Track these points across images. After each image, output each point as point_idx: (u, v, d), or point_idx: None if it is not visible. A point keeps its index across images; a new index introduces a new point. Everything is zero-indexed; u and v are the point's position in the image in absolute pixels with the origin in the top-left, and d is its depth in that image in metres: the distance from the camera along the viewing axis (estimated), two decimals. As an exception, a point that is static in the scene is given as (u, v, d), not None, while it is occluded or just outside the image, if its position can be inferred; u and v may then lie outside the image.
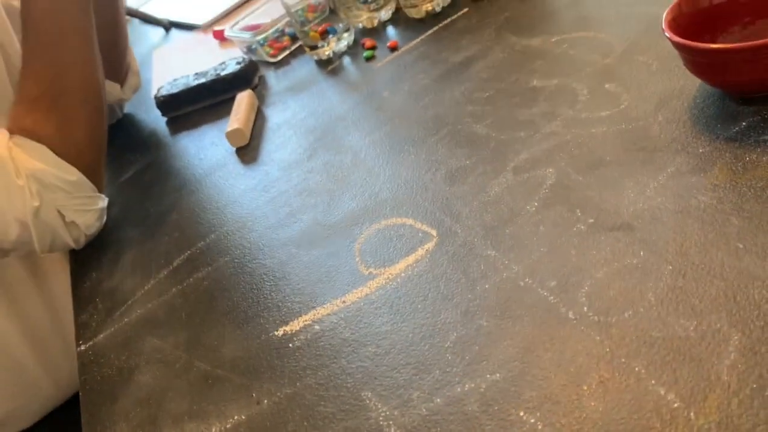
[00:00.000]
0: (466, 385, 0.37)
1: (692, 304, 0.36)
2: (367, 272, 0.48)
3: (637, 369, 0.34)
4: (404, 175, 0.56)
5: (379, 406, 0.38)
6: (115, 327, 0.56)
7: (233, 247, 0.58)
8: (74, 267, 0.67)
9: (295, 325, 0.47)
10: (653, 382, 0.33)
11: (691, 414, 0.31)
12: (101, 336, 0.55)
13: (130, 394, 0.48)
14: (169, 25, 1.28)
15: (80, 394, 0.51)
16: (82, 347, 0.55)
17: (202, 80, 0.85)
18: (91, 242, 0.68)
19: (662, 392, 0.32)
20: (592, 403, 0.33)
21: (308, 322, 0.46)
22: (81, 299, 0.62)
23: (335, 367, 0.42)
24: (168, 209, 0.68)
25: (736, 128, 0.45)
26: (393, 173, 0.57)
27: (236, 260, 0.56)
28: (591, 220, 0.43)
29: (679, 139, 0.46)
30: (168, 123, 0.88)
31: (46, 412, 0.76)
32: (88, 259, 0.67)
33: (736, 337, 0.33)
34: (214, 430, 0.42)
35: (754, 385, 0.31)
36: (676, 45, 0.46)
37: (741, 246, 0.37)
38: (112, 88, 0.86)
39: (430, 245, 0.48)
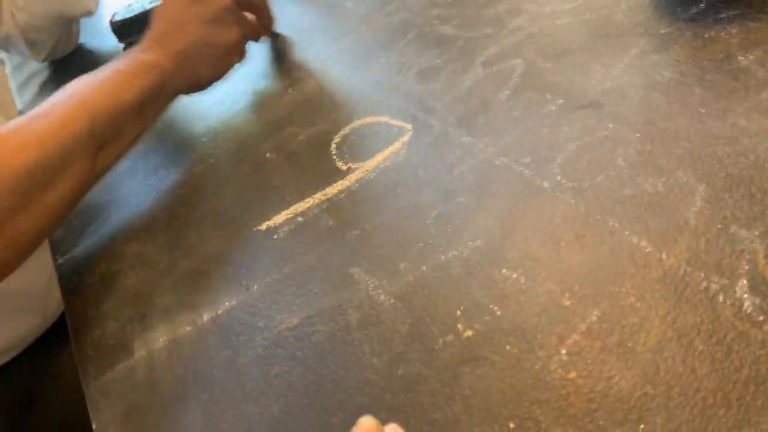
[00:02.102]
0: (450, 253, 0.39)
1: (660, 165, 0.38)
2: (346, 168, 0.49)
3: (611, 224, 0.36)
4: (374, 78, 0.57)
5: (368, 279, 0.40)
6: (93, 238, 0.56)
7: (207, 156, 0.58)
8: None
9: (278, 219, 0.48)
10: (627, 232, 0.35)
11: (663, 255, 0.33)
12: (80, 248, 0.55)
13: (116, 296, 0.49)
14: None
15: (63, 302, 0.51)
16: (60, 260, 0.55)
17: (158, 3, 0.83)
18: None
19: (635, 240, 0.35)
20: (571, 256, 0.35)
21: (291, 216, 0.47)
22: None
23: (322, 251, 0.43)
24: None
25: (696, 9, 0.46)
26: (363, 77, 0.57)
27: (212, 168, 0.56)
28: (561, 101, 0.45)
29: (642, 23, 0.48)
30: (125, 49, 0.86)
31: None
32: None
33: (701, 188, 0.35)
34: (205, 317, 0.43)
35: (719, 226, 0.33)
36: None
37: (704, 111, 0.39)
38: None
39: (406, 138, 0.49)
